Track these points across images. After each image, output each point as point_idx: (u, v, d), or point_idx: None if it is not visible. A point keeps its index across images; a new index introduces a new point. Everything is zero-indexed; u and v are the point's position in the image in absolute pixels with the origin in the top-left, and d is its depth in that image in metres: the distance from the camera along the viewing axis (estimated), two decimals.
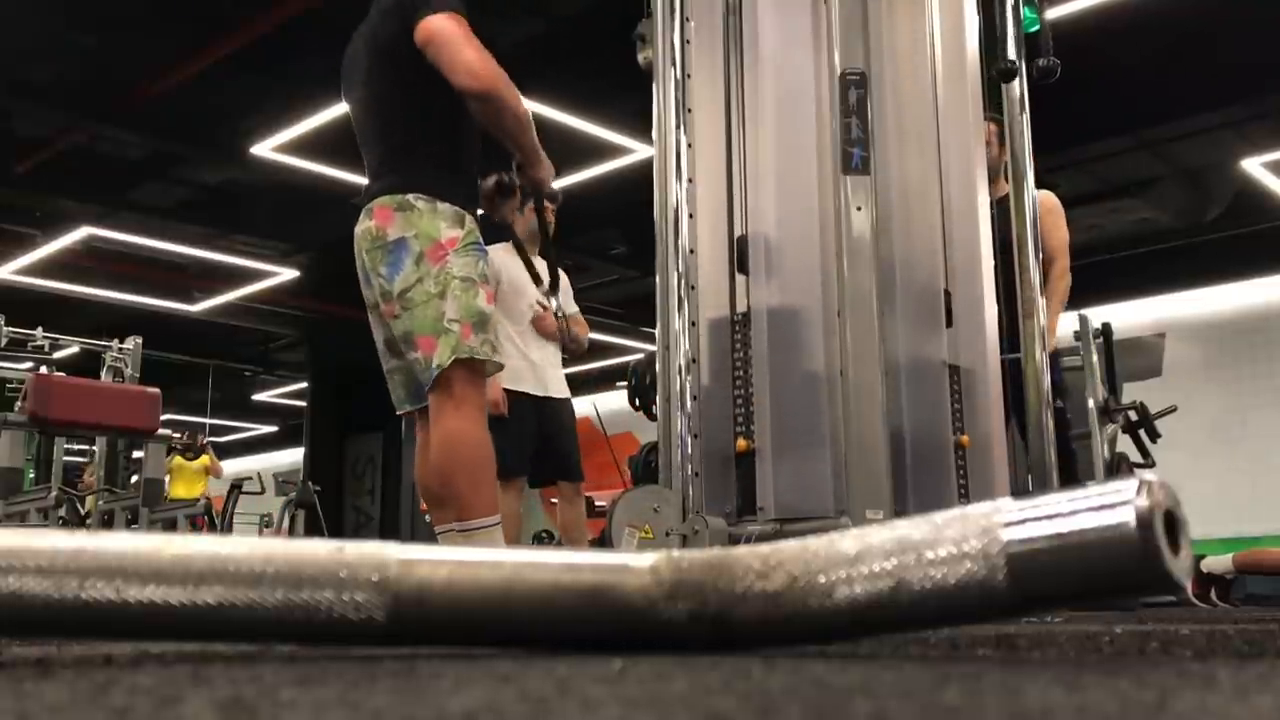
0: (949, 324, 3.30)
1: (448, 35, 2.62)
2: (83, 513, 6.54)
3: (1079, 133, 8.19)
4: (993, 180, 3.96)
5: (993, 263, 3.52)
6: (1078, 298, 4.82)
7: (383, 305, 2.74)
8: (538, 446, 4.42)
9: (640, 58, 3.69)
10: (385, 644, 0.95)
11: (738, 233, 3.38)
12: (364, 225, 2.76)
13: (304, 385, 15.61)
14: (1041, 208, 4.38)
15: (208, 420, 17.98)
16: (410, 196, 2.70)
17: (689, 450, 3.14)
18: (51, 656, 0.99)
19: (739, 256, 3.33)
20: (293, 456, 17.29)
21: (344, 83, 2.99)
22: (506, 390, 4.24)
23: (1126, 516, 0.79)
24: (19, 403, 5.80)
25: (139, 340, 8.10)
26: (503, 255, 4.54)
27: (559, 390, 4.58)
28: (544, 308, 4.34)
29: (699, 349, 3.25)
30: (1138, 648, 1.18)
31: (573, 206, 4.87)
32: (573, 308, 4.65)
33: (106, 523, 6.38)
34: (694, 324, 3.26)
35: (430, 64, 2.66)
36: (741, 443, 3.19)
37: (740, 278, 3.34)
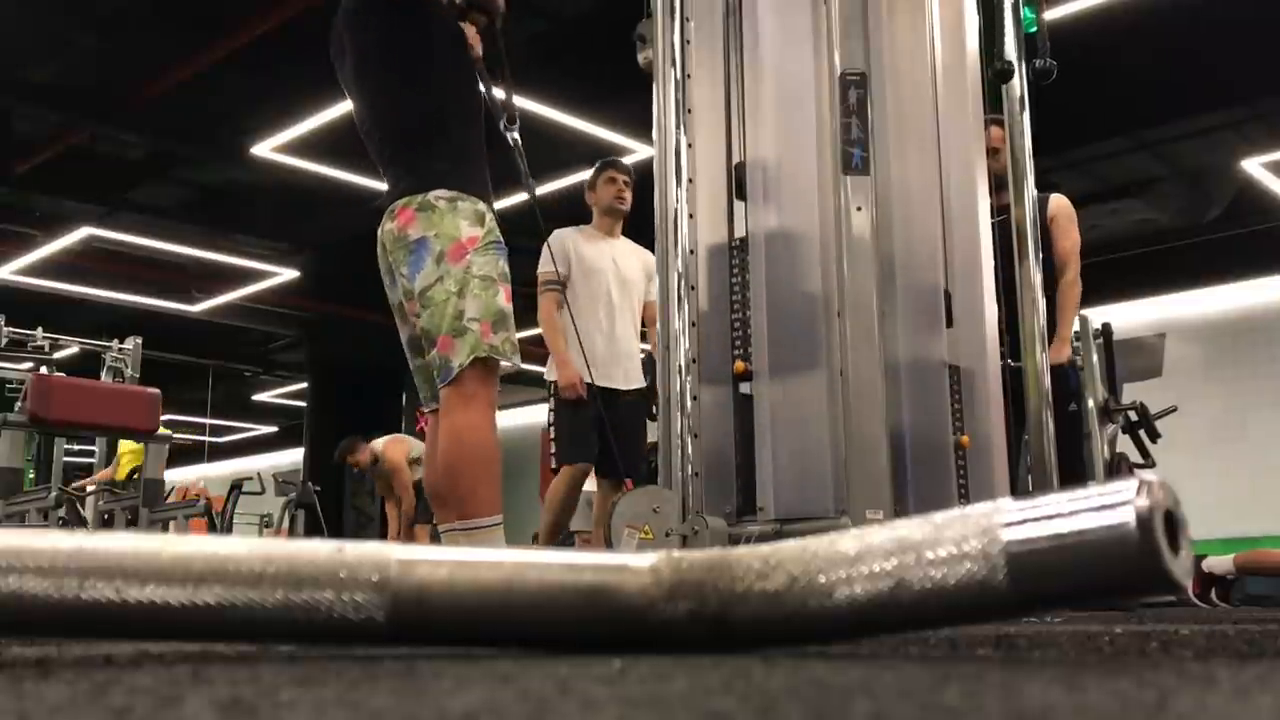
0: (949, 324, 3.30)
1: None
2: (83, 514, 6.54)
3: (1079, 133, 8.19)
4: (1002, 188, 3.81)
5: (993, 263, 3.52)
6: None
7: (406, 304, 2.76)
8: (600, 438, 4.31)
9: (640, 58, 3.69)
10: (385, 644, 0.95)
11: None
12: (387, 226, 2.77)
13: (304, 385, 15.60)
14: (1052, 210, 4.36)
15: (208, 420, 17.97)
16: (430, 196, 2.70)
17: (689, 450, 3.14)
18: (51, 656, 0.99)
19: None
20: (293, 456, 17.28)
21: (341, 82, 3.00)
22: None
23: (1126, 517, 0.79)
24: (19, 403, 5.79)
25: (139, 340, 8.10)
26: (576, 238, 4.50)
27: (632, 381, 4.48)
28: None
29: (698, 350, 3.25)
30: (1138, 648, 1.18)
31: (573, 206, 4.88)
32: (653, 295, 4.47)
33: (106, 523, 6.38)
34: (694, 324, 3.26)
35: (416, 51, 2.68)
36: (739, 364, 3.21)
37: (740, 206, 3.34)
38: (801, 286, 3.22)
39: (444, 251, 2.65)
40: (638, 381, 4.53)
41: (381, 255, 2.81)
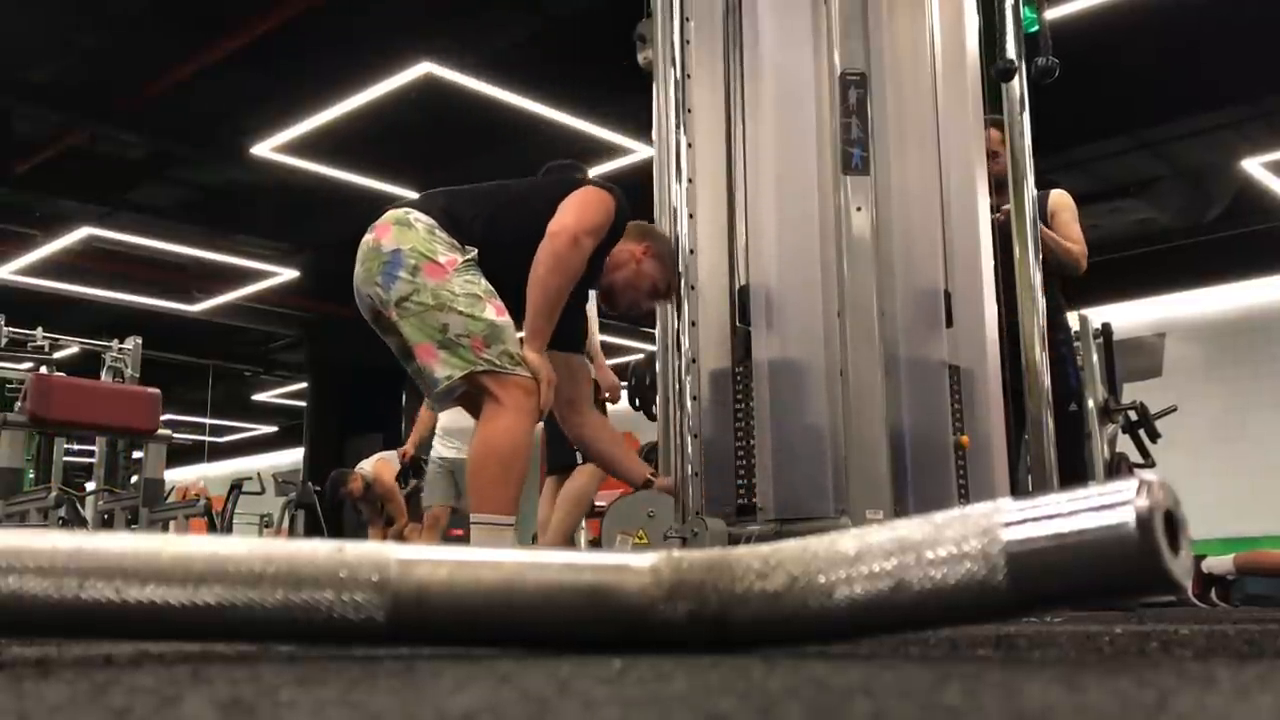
0: (949, 324, 3.30)
1: (584, 204, 2.81)
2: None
3: (1079, 133, 8.19)
4: (1001, 189, 3.73)
5: (993, 263, 3.51)
6: (1078, 297, 4.80)
7: (383, 312, 2.77)
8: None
9: (640, 58, 3.69)
10: (385, 644, 0.95)
11: (739, 234, 3.38)
12: (364, 239, 2.81)
13: (304, 385, 15.61)
14: (1053, 206, 4.30)
15: (208, 420, 17.96)
16: (410, 215, 2.74)
17: (689, 450, 3.14)
18: (51, 656, 0.99)
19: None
20: (293, 456, 17.28)
21: None
22: None
23: (1126, 517, 0.79)
24: (19, 403, 5.79)
25: (139, 340, 8.09)
26: None
27: None
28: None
29: (699, 348, 3.25)
30: (1138, 648, 1.18)
31: None
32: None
33: (106, 523, 6.38)
34: (694, 324, 3.25)
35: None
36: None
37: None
38: (803, 284, 3.22)
39: (419, 266, 2.69)
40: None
41: (356, 267, 2.84)
